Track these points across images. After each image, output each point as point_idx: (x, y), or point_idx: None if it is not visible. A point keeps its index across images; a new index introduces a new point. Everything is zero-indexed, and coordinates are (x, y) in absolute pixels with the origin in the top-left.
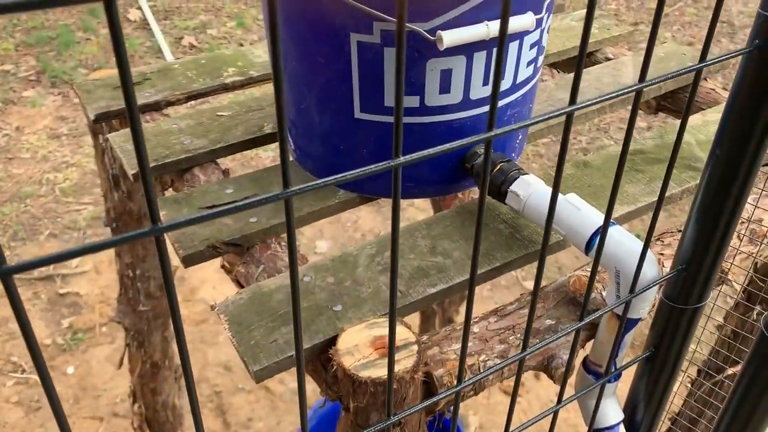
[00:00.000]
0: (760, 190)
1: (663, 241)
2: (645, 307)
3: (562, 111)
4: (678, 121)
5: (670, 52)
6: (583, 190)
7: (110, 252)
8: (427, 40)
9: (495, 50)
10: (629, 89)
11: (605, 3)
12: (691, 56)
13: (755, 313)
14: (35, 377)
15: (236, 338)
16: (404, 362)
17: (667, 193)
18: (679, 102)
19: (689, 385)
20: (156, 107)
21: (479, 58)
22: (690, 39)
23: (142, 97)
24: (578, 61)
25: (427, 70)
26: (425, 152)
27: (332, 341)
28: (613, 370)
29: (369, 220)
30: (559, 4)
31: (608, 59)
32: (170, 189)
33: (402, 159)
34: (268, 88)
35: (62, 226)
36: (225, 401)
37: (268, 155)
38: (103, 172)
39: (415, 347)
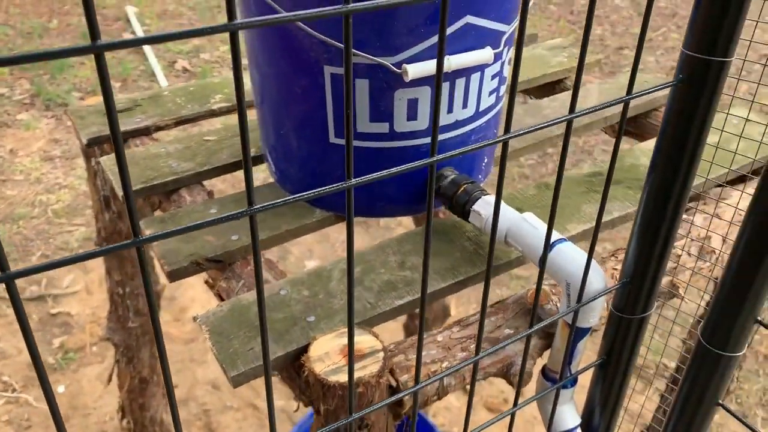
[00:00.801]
0: (695, 210)
1: (617, 257)
2: (594, 317)
3: (499, 140)
4: (641, 144)
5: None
6: (544, 210)
7: (101, 273)
8: (393, 73)
9: (457, 81)
10: (561, 119)
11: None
12: (653, 84)
13: None
14: (26, 396)
15: (216, 347)
16: (370, 368)
17: (623, 213)
18: (642, 126)
19: (659, 398)
20: (146, 132)
21: (443, 89)
22: (672, 64)
23: (133, 122)
24: (510, 96)
25: (395, 99)
26: (373, 175)
27: (305, 349)
28: (567, 375)
29: (357, 240)
30: (531, 34)
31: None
32: (159, 210)
33: (353, 181)
34: (252, 113)
35: (54, 247)
36: (213, 419)
37: (257, 176)
38: (94, 193)
39: (381, 354)
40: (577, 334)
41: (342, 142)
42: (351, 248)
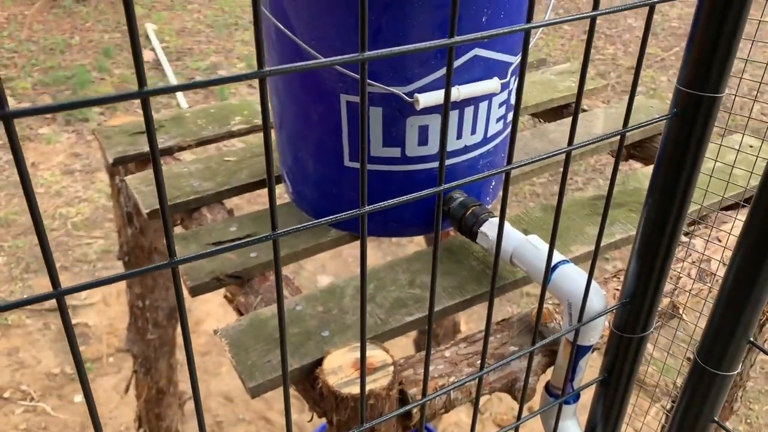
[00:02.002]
0: (692, 234)
1: (619, 278)
2: (595, 336)
3: (501, 170)
4: (644, 168)
5: (640, 105)
6: (549, 232)
7: (118, 285)
8: (406, 101)
9: (466, 109)
10: (560, 151)
11: (603, 48)
12: (658, 109)
13: None
14: (43, 405)
15: (235, 359)
16: (381, 381)
17: (625, 235)
18: (647, 151)
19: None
20: (169, 152)
21: (452, 116)
22: None
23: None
24: (512, 131)
25: (407, 126)
26: (387, 202)
27: (319, 362)
28: (569, 391)
29: (371, 257)
30: (541, 58)
31: (584, 110)
32: (179, 226)
33: (368, 208)
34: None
35: (73, 258)
36: (226, 431)
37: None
38: (117, 209)
39: (391, 368)
40: (579, 351)
41: (355, 165)
42: (364, 269)
